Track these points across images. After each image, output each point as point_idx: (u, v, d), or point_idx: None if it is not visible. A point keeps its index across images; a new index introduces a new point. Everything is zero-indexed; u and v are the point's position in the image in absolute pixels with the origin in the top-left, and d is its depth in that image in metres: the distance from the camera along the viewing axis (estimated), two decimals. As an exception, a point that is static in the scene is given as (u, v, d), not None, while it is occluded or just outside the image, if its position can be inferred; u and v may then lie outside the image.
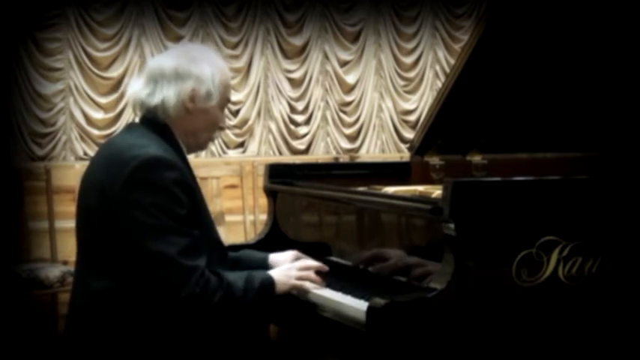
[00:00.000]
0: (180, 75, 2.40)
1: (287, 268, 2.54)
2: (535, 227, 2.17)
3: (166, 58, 2.48)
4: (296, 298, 2.57)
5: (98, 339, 2.27)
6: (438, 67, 9.52)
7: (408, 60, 9.48)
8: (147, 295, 2.25)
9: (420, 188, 2.86)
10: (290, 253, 2.70)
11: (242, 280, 2.35)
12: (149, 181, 2.25)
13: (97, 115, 8.42)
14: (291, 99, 9.09)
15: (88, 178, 2.40)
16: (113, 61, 8.47)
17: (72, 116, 8.36)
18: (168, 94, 2.39)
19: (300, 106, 9.13)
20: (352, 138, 9.35)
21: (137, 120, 2.49)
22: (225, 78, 2.48)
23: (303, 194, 3.08)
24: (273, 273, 2.47)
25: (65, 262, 4.78)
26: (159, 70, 2.42)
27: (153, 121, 2.43)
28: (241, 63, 8.88)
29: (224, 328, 2.41)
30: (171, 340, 2.28)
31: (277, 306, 2.63)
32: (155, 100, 2.40)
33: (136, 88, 2.45)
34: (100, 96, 8.43)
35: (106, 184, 2.28)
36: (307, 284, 2.50)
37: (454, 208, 2.14)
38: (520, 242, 2.15)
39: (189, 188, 2.32)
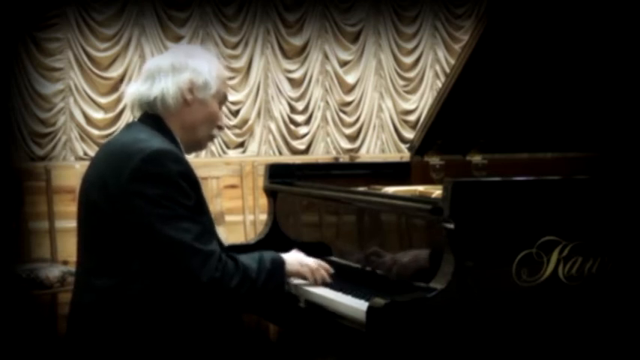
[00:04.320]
0: (177, 67, 2.44)
1: (298, 254, 2.60)
2: (535, 227, 2.17)
3: (162, 57, 2.55)
4: (296, 297, 2.58)
5: (104, 337, 2.27)
6: (438, 67, 9.51)
7: (408, 60, 9.48)
8: (155, 290, 2.26)
9: (420, 188, 2.86)
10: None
11: (255, 261, 2.38)
12: (156, 174, 2.26)
13: (97, 115, 8.41)
14: (291, 99, 9.09)
15: (89, 175, 2.40)
16: (113, 61, 8.46)
17: (72, 116, 8.35)
18: (166, 86, 2.43)
19: (300, 106, 9.13)
20: (352, 138, 9.34)
21: (136, 120, 2.50)
22: (221, 73, 2.53)
23: (303, 194, 3.08)
24: (283, 254, 2.51)
25: (65, 262, 4.78)
26: (155, 67, 2.47)
27: (152, 117, 2.44)
28: (241, 63, 8.87)
29: (225, 326, 2.41)
30: (175, 338, 2.28)
31: (278, 305, 2.63)
32: (154, 92, 2.43)
33: (133, 88, 2.48)
34: (100, 96, 8.42)
35: (110, 178, 2.29)
36: (313, 265, 2.55)
37: (454, 208, 2.14)
38: (520, 242, 2.15)
39: (194, 182, 2.34)
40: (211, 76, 2.47)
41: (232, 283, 2.28)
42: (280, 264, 2.45)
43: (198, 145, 2.55)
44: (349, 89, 9.32)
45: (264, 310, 2.88)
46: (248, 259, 2.37)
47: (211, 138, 2.57)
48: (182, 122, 2.46)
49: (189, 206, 2.28)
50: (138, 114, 2.48)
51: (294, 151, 9.07)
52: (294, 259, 2.53)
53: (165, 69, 2.44)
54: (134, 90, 2.47)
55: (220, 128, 2.57)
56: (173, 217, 2.25)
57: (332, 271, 2.60)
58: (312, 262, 2.56)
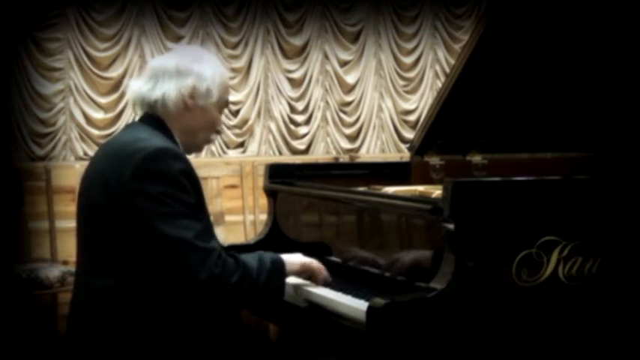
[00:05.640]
0: (181, 71, 2.43)
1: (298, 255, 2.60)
2: (535, 227, 2.17)
3: (168, 57, 2.53)
4: (296, 298, 2.58)
5: (103, 337, 2.27)
6: (438, 67, 9.51)
7: (408, 60, 9.48)
8: (155, 290, 2.26)
9: (420, 188, 2.86)
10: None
11: (255, 260, 2.37)
12: (157, 172, 2.26)
13: (97, 115, 8.41)
14: (291, 99, 9.09)
15: (89, 175, 2.40)
16: (113, 61, 8.46)
17: (72, 116, 8.35)
18: (168, 89, 2.42)
19: (300, 106, 9.13)
20: (352, 138, 9.34)
21: (137, 119, 2.50)
22: (224, 80, 2.52)
23: (303, 194, 3.08)
24: (283, 255, 2.50)
25: (65, 262, 4.79)
26: (160, 67, 2.46)
27: (152, 118, 2.44)
28: (241, 63, 8.87)
29: (224, 326, 2.41)
30: (175, 338, 2.28)
31: (277, 305, 2.63)
32: (155, 94, 2.42)
33: (136, 85, 2.48)
34: (100, 96, 8.42)
35: (111, 178, 2.28)
36: (315, 264, 2.54)
37: (454, 208, 2.14)
38: (520, 242, 2.15)
39: (195, 180, 2.34)
40: (214, 84, 2.46)
41: (232, 280, 2.28)
42: (281, 264, 2.44)
43: (196, 148, 2.56)
44: (349, 89, 9.32)
45: (264, 310, 2.88)
46: (248, 258, 2.37)
47: (209, 142, 2.59)
48: (182, 126, 2.46)
49: (190, 204, 2.28)
50: (140, 112, 2.49)
51: (294, 151, 9.07)
52: (294, 259, 2.53)
53: (170, 71, 2.43)
54: (136, 88, 2.47)
55: (218, 132, 2.57)
56: (174, 214, 2.25)
57: (329, 278, 2.60)
58: (312, 263, 2.56)
